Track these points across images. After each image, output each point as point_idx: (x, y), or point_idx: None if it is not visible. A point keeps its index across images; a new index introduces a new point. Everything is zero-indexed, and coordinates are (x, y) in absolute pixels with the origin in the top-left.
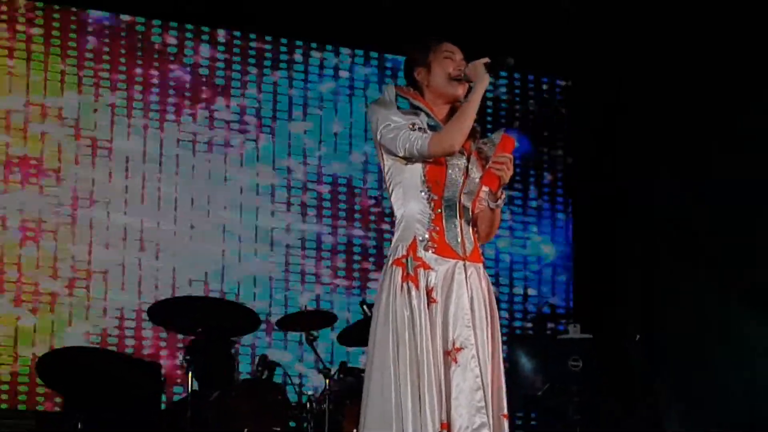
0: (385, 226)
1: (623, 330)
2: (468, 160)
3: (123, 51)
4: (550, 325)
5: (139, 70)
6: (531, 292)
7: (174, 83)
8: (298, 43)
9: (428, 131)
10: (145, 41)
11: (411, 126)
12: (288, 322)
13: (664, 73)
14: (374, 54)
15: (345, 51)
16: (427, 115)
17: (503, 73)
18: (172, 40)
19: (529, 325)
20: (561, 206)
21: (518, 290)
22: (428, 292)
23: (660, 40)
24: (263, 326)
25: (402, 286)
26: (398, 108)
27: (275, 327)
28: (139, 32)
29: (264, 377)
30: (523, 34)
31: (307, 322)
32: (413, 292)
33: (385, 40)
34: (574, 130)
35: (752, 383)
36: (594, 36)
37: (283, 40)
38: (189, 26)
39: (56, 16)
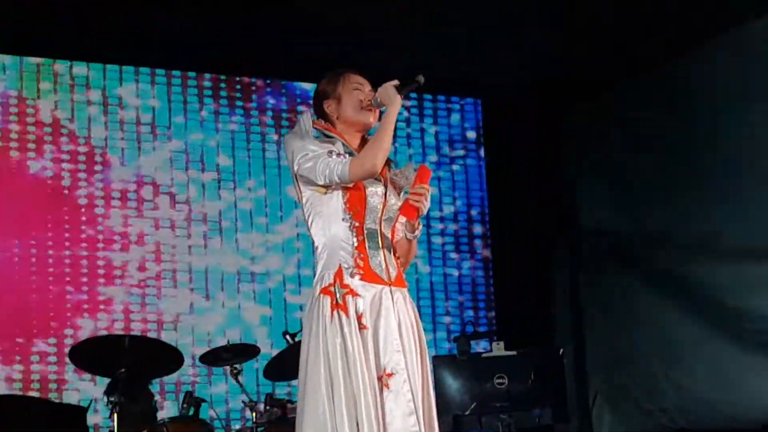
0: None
1: (547, 344)
2: (385, 186)
3: None
4: (473, 343)
5: None
6: (452, 312)
7: None
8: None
9: (346, 156)
10: None
11: (328, 153)
12: (211, 357)
13: (583, 80)
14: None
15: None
16: (343, 144)
17: (413, 95)
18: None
19: (453, 345)
20: (479, 224)
21: (439, 310)
22: (358, 319)
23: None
24: (188, 362)
25: (332, 315)
26: (314, 137)
27: (198, 363)
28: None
29: (190, 414)
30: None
31: (230, 356)
32: (344, 320)
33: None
34: (489, 145)
35: (683, 384)
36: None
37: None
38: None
39: None
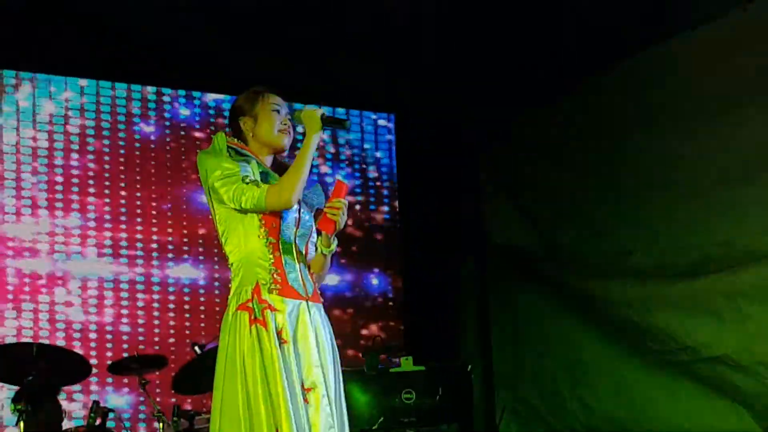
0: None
1: (456, 360)
2: (299, 203)
3: None
4: (381, 358)
5: None
6: (361, 325)
7: None
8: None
9: (261, 184)
10: None
11: (243, 178)
12: (119, 367)
13: (494, 96)
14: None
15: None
16: (257, 163)
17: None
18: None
19: (361, 359)
20: (390, 236)
21: (349, 324)
22: (278, 333)
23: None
24: (95, 371)
25: (250, 331)
26: (228, 155)
27: (108, 371)
28: None
29: (97, 424)
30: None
31: (138, 366)
32: (263, 335)
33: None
34: (401, 158)
35: (588, 402)
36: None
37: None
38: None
39: None
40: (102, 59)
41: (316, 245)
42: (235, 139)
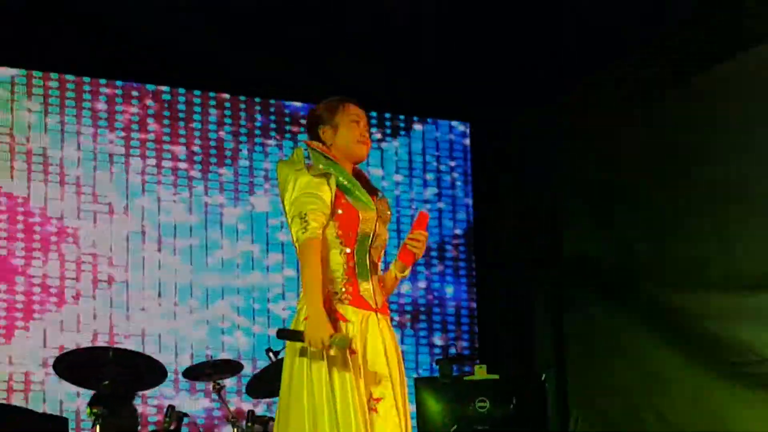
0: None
1: (530, 369)
2: (378, 214)
3: None
4: (456, 366)
5: None
6: (436, 333)
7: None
8: None
9: (311, 221)
10: None
11: (311, 211)
12: (194, 372)
13: (569, 114)
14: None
15: None
16: (341, 171)
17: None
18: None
19: (435, 367)
20: (464, 247)
21: (423, 332)
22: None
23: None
24: (171, 377)
25: None
26: (306, 168)
27: (182, 377)
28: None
29: (172, 428)
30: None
31: (213, 371)
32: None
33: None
34: (476, 169)
35: (664, 413)
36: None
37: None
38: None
39: None
40: (102, 59)
41: (394, 268)
42: (321, 144)
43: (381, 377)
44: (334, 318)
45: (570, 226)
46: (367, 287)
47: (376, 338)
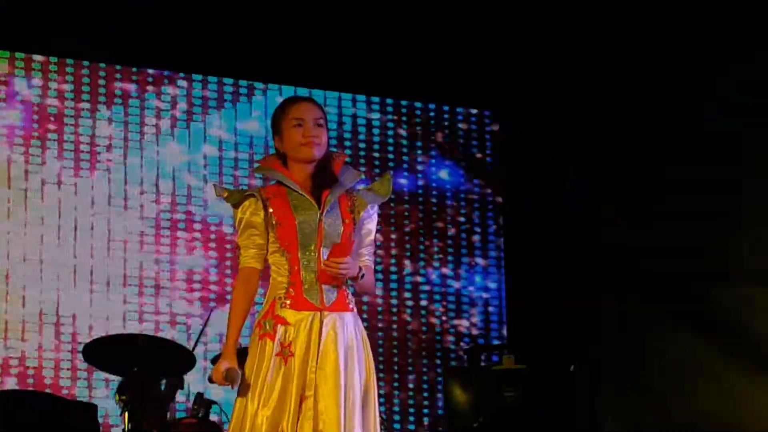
0: None
1: (559, 359)
2: (321, 211)
3: None
4: (484, 356)
5: None
6: (464, 323)
7: None
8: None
9: (247, 249)
10: None
11: (238, 246)
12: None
13: (600, 101)
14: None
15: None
16: (283, 180)
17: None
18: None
19: (464, 356)
20: (493, 236)
21: (452, 321)
22: (287, 347)
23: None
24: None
25: (258, 345)
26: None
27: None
28: None
29: (201, 415)
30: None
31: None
32: (267, 348)
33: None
34: (504, 154)
35: (692, 407)
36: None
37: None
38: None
39: None
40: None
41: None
42: (275, 158)
43: (309, 375)
44: (274, 322)
45: (604, 217)
46: (313, 288)
47: (313, 337)
